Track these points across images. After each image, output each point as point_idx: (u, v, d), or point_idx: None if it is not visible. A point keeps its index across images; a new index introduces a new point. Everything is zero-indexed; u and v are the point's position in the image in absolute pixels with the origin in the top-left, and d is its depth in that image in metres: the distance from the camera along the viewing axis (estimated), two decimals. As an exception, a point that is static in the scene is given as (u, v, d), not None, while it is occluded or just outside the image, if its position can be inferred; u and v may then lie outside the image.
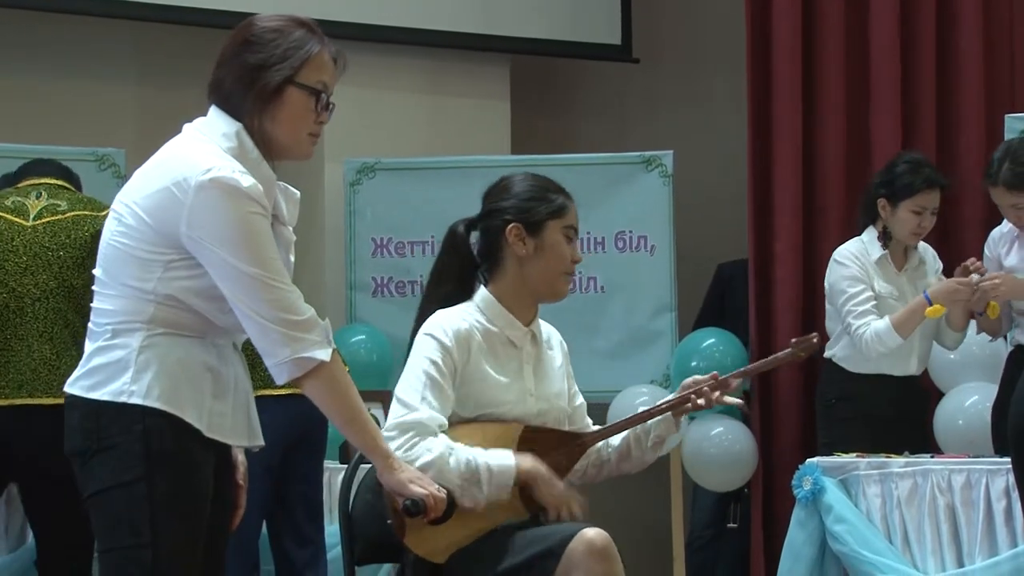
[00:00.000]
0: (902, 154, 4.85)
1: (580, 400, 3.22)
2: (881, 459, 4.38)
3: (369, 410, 2.72)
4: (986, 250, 4.64)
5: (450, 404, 2.94)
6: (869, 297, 4.66)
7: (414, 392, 2.92)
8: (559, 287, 3.06)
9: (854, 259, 4.71)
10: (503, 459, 2.90)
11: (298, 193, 2.69)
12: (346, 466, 3.11)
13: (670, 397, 3.17)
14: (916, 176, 4.66)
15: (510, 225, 3.01)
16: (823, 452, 4.66)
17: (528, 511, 2.95)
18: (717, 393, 3.10)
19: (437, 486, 2.73)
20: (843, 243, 4.90)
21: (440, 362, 2.94)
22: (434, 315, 3.02)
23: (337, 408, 2.60)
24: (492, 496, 2.88)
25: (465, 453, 2.87)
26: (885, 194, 4.70)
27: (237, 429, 2.64)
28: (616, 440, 3.15)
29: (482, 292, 3.06)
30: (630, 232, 5.63)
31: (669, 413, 3.11)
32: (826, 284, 4.80)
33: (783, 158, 5.62)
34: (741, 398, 5.53)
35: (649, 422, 3.13)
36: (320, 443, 4.30)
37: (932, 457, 4.45)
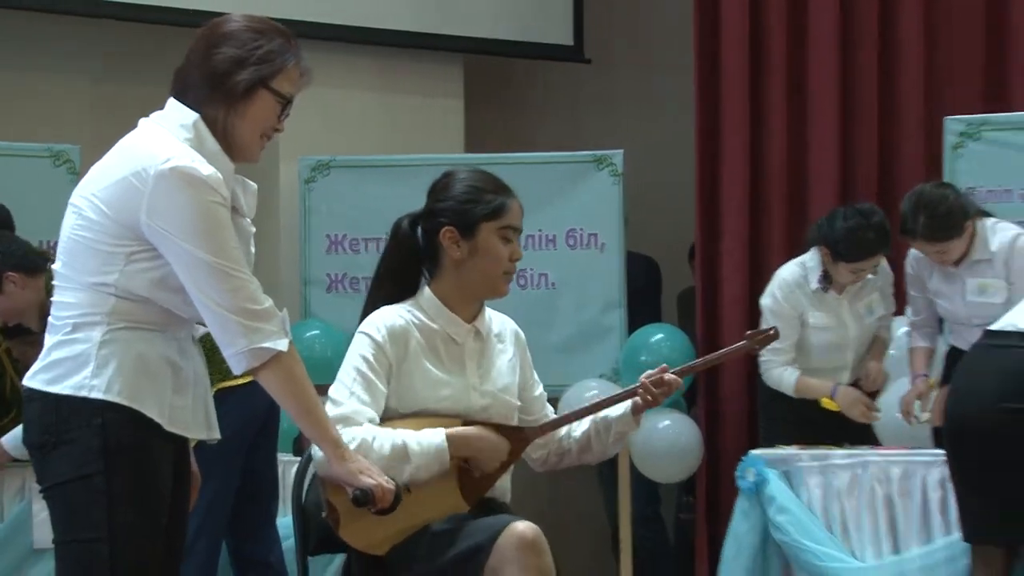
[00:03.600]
0: (845, 212, 4.71)
1: (539, 391, 3.17)
2: (822, 451, 4.43)
3: (324, 403, 2.75)
4: (909, 268, 4.68)
5: (382, 399, 2.92)
6: (790, 344, 4.72)
7: (343, 388, 2.90)
8: (498, 287, 3.01)
9: (788, 293, 4.76)
10: (431, 432, 2.88)
11: (255, 185, 2.68)
12: (299, 459, 3.10)
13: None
14: (855, 247, 4.63)
15: (443, 228, 2.96)
16: (764, 445, 4.72)
17: (468, 504, 2.93)
18: (664, 388, 3.05)
19: (386, 478, 2.72)
20: (788, 250, 5.05)
21: (372, 359, 2.91)
22: (372, 314, 2.99)
23: (292, 399, 2.58)
24: (429, 469, 2.86)
25: (391, 435, 2.85)
26: (826, 245, 4.70)
27: (197, 422, 2.64)
28: (577, 433, 3.13)
29: (424, 290, 3.02)
30: (581, 230, 5.64)
31: (629, 411, 3.08)
32: (761, 300, 4.86)
33: (730, 158, 5.66)
34: (686, 392, 5.63)
35: (611, 418, 3.10)
36: (277, 425, 4.30)
37: (872, 449, 4.51)
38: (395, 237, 3.06)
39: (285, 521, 4.39)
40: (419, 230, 3.04)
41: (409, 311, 3.00)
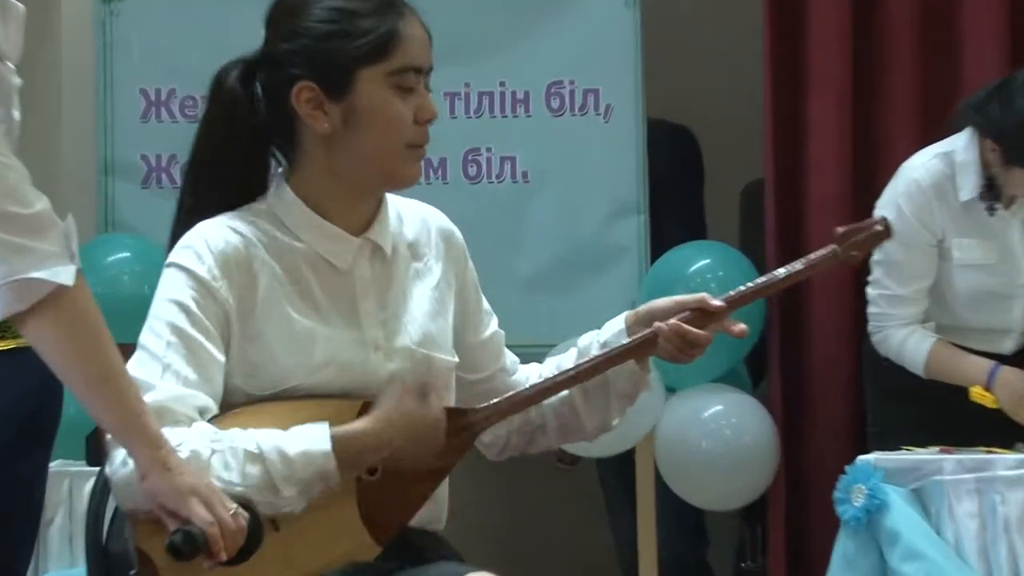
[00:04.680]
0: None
1: (492, 328, 3.25)
2: (979, 455, 4.44)
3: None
4: None
5: (218, 374, 2.95)
6: (921, 288, 4.89)
7: (151, 361, 2.92)
8: (400, 172, 3.04)
9: (922, 204, 4.86)
10: (311, 436, 2.88)
11: (21, 7, 2.70)
12: (98, 469, 3.11)
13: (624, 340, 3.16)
14: None
15: (298, 85, 3.00)
16: (877, 444, 4.81)
17: (377, 542, 2.95)
18: (700, 332, 3.09)
19: (234, 506, 2.73)
20: (918, 132, 5.27)
21: (194, 307, 2.94)
22: (188, 233, 3.01)
23: (80, 362, 2.64)
24: (311, 493, 2.87)
25: (242, 441, 2.86)
26: (993, 137, 4.75)
27: None
28: (553, 398, 3.18)
29: (280, 188, 3.06)
30: (571, 84, 5.66)
31: (631, 360, 3.14)
32: (876, 211, 4.91)
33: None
34: (750, 358, 5.63)
35: (608, 371, 3.15)
36: (56, 420, 4.11)
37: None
38: (217, 100, 3.08)
39: (76, 574, 4.57)
40: (257, 87, 3.06)
41: (251, 223, 3.02)
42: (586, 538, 6.18)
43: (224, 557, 2.70)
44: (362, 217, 3.06)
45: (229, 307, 2.95)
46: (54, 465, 4.61)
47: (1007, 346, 4.90)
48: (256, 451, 2.82)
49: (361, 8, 3.02)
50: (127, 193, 5.64)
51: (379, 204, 3.08)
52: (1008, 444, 4.57)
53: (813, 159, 5.70)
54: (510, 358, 3.25)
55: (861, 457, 4.49)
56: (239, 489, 2.79)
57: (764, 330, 5.61)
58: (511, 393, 3.12)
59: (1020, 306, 4.93)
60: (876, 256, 4.84)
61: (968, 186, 4.80)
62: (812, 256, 3.18)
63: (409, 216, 3.15)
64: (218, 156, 3.06)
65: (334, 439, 2.85)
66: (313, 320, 3.00)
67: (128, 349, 2.74)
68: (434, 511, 3.07)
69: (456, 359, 3.12)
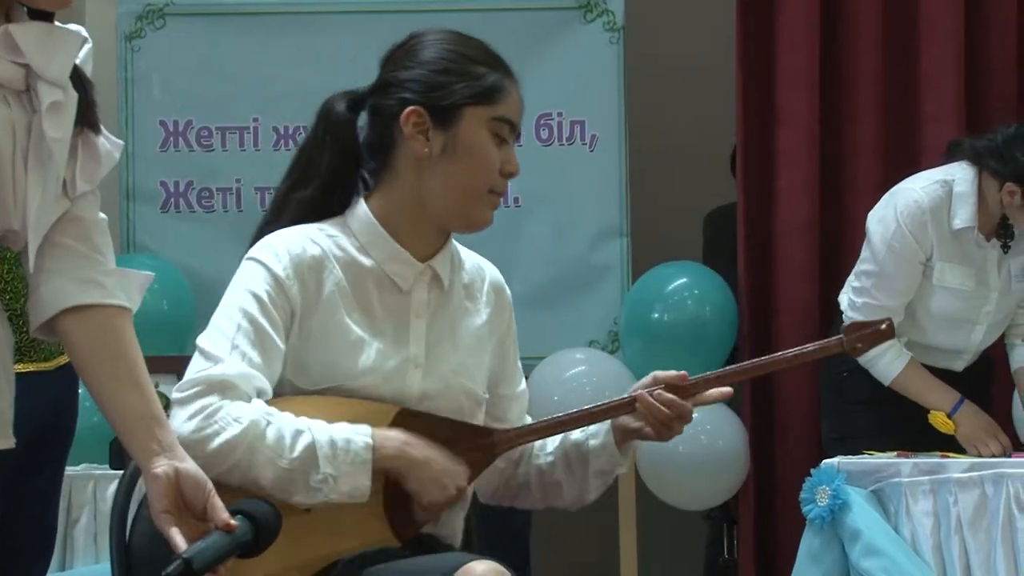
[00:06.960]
0: None
1: (520, 386, 3.22)
2: (934, 459, 4.46)
3: (157, 386, 2.73)
4: None
5: (277, 363, 2.95)
6: (904, 303, 4.83)
7: (222, 339, 2.91)
8: (476, 212, 3.03)
9: (919, 223, 4.80)
10: (356, 431, 2.88)
11: (78, 35, 2.70)
12: (121, 472, 3.03)
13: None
14: None
15: (409, 108, 2.99)
16: (835, 448, 4.78)
17: (398, 537, 2.94)
18: (684, 405, 3.05)
19: (226, 515, 2.61)
20: (888, 160, 5.08)
21: (267, 300, 2.94)
22: (270, 235, 3.03)
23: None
24: (340, 487, 2.85)
25: (293, 423, 2.86)
26: (1012, 179, 4.71)
27: None
28: (541, 458, 3.18)
29: (357, 206, 3.05)
30: (559, 115, 5.74)
31: (609, 437, 3.12)
32: (868, 224, 4.91)
33: (790, 7, 5.73)
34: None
35: (587, 447, 3.14)
36: (68, 436, 4.25)
37: (1011, 456, 4.55)
38: (325, 124, 3.08)
39: (101, 570, 4.46)
40: (362, 115, 3.08)
41: (330, 236, 3.03)
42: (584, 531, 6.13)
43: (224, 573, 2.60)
44: (429, 247, 3.04)
45: (296, 305, 2.95)
46: (80, 468, 4.75)
47: (959, 365, 4.92)
48: (305, 430, 2.83)
49: (477, 56, 3.02)
50: (146, 216, 5.68)
51: (446, 240, 3.07)
52: (960, 449, 4.61)
53: (782, 188, 5.68)
54: (529, 420, 3.19)
55: (825, 461, 4.50)
56: (284, 464, 2.79)
57: (736, 346, 5.66)
58: (532, 422, 3.10)
59: (980, 331, 4.89)
60: (866, 266, 4.85)
61: (962, 216, 4.74)
62: (820, 342, 3.17)
63: (468, 263, 3.14)
64: (314, 173, 3.06)
65: (374, 437, 2.85)
66: (366, 331, 2.99)
67: (152, 361, 2.70)
68: (452, 527, 3.05)
69: (486, 395, 3.10)
